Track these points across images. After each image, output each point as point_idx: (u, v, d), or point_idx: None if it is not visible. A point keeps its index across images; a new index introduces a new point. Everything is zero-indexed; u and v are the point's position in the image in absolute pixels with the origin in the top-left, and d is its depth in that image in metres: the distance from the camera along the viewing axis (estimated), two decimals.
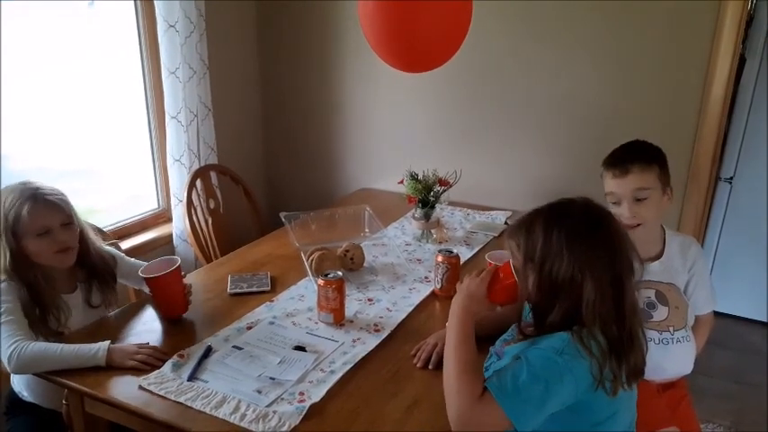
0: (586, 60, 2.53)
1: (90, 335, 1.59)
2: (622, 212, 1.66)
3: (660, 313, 1.68)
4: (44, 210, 1.58)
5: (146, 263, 1.83)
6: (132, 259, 1.92)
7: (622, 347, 1.15)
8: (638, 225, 1.66)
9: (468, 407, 1.15)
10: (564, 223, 1.20)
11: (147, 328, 1.68)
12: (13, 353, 1.45)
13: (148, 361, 1.47)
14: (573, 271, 1.16)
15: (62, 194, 1.65)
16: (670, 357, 1.67)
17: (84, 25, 2.40)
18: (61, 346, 1.48)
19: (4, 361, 1.47)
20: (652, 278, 1.70)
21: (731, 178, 3.29)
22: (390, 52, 1.76)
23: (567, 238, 1.18)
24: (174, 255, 2.72)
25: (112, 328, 1.66)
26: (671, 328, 1.69)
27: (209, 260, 2.48)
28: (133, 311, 1.76)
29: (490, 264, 1.84)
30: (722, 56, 2.28)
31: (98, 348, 1.47)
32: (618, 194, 1.67)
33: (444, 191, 2.29)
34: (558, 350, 1.13)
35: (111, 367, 1.45)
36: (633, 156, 1.67)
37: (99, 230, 2.20)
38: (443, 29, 1.71)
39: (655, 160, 1.67)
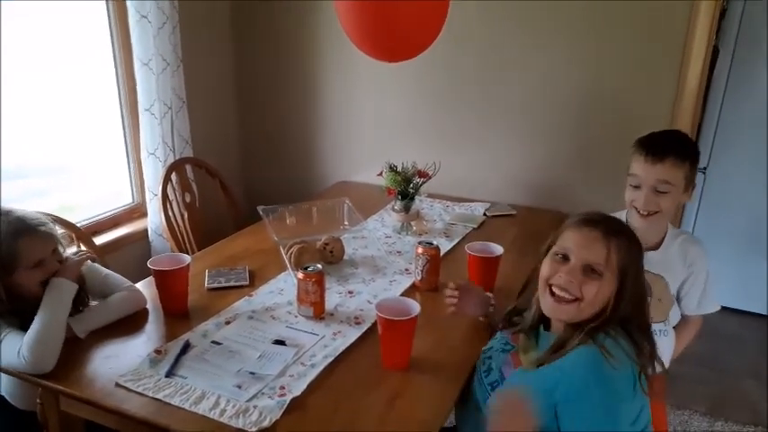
0: (562, 53, 2.54)
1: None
2: (638, 198, 1.63)
3: None
4: (40, 242, 1.53)
5: (118, 276, 1.75)
6: (104, 272, 1.74)
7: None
8: (653, 214, 1.63)
9: None
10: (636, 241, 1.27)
11: (123, 326, 1.63)
12: (20, 353, 1.40)
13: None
14: (638, 285, 1.25)
15: (47, 221, 1.59)
16: None
17: (54, 15, 2.33)
18: (39, 318, 1.44)
19: (21, 366, 1.40)
20: (645, 267, 1.71)
21: (704, 168, 3.34)
22: (366, 40, 1.74)
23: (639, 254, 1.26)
24: (150, 250, 2.69)
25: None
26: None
27: None
28: None
29: (470, 256, 1.84)
30: (696, 47, 2.30)
31: (58, 286, 1.50)
32: (641, 179, 1.62)
33: (424, 182, 2.28)
34: (611, 354, 1.14)
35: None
36: (671, 146, 1.60)
37: (73, 227, 2.16)
38: (421, 15, 1.68)
39: (689, 157, 1.61)
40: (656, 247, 1.71)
